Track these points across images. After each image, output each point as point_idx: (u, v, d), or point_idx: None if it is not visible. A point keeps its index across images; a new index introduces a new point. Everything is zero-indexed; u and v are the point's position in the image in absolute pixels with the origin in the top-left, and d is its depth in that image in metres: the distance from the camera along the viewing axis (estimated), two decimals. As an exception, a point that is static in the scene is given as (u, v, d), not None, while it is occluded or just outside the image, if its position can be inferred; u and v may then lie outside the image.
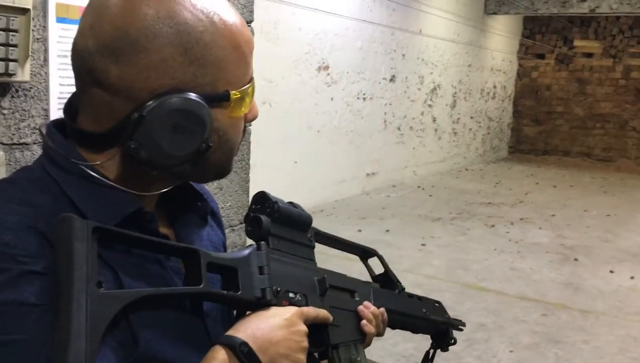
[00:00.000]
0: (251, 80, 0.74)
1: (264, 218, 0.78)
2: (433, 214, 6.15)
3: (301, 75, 5.92)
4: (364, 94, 7.08)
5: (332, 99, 6.49)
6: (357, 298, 0.91)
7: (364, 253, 1.03)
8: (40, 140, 0.71)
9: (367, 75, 7.08)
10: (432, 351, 1.14)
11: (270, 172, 5.45)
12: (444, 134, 9.25)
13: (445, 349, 1.15)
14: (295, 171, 6.02)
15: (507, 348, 3.16)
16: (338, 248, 0.97)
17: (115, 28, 0.64)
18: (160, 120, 0.65)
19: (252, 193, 2.20)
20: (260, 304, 0.73)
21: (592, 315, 3.65)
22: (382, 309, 0.94)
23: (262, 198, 0.81)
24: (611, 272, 4.51)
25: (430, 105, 8.68)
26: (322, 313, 0.80)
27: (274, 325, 0.72)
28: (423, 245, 5.01)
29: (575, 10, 9.39)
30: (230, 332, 0.70)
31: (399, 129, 7.95)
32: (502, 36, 10.68)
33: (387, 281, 1.03)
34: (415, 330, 1.10)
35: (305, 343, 0.75)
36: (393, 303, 0.99)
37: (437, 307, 1.13)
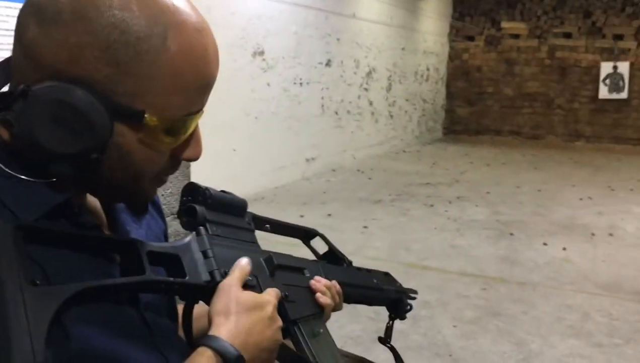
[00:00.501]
0: (191, 115, 0.67)
1: (197, 207, 0.75)
2: (373, 196, 6.22)
3: (236, 61, 5.81)
4: (301, 79, 7.05)
5: (268, 84, 6.42)
6: (308, 275, 0.90)
7: (306, 234, 1.01)
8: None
9: (303, 60, 7.04)
10: (391, 322, 1.15)
11: (209, 160, 5.32)
12: (381, 117, 9.35)
13: (403, 317, 1.16)
14: (234, 158, 5.93)
15: (451, 323, 3.24)
16: (278, 233, 0.95)
17: None
18: (42, 104, 0.58)
19: (193, 179, 2.15)
20: (210, 287, 0.71)
21: (529, 287, 3.79)
22: (334, 281, 0.93)
23: (191, 188, 0.78)
24: (544, 244, 4.69)
25: (366, 89, 8.74)
26: (278, 292, 0.79)
27: (261, 329, 0.70)
28: (365, 227, 5.05)
29: (502, -7, 9.67)
30: (213, 332, 0.67)
31: (336, 113, 7.97)
32: (433, 19, 10.87)
33: (333, 258, 1.02)
34: (370, 302, 1.10)
35: (281, 338, 0.75)
36: (344, 276, 0.98)
37: (387, 277, 1.14)
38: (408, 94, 10.27)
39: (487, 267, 4.17)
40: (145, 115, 0.62)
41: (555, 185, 7.15)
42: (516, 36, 11.27)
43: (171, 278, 0.67)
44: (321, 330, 0.87)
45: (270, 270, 0.81)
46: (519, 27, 11.21)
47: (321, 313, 0.89)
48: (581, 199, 6.33)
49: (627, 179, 7.66)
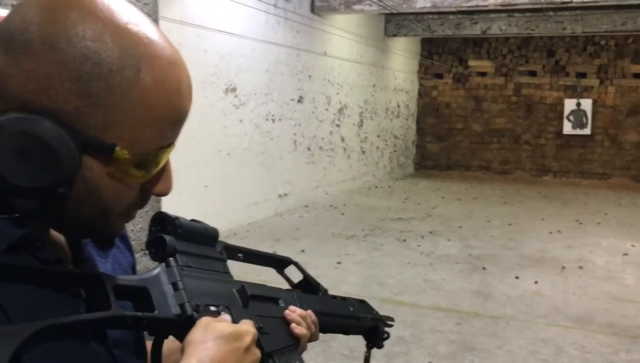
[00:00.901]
0: (162, 149, 0.64)
1: (166, 237, 0.72)
2: (347, 232, 6.21)
3: (208, 98, 5.82)
4: (273, 115, 7.08)
5: (240, 121, 6.43)
6: (282, 305, 0.87)
7: (279, 263, 0.98)
8: None
9: (275, 96, 7.09)
10: (368, 351, 1.12)
11: (181, 197, 5.29)
12: (353, 153, 9.42)
13: (380, 345, 1.13)
14: (206, 195, 5.88)
15: (426, 359, 3.21)
16: (251, 262, 0.91)
17: (19, 18, 0.57)
18: (7, 136, 0.56)
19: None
20: (181, 321, 0.67)
21: (503, 321, 3.79)
22: (309, 311, 0.90)
23: (160, 219, 0.75)
24: (516, 277, 4.73)
25: (338, 125, 8.82)
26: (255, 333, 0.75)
27: (237, 360, 0.67)
28: (339, 263, 5.03)
29: (468, 32, 9.95)
30: (183, 361, 0.63)
31: (309, 149, 8.00)
32: (402, 57, 11.10)
33: (307, 287, 0.99)
34: (346, 331, 1.07)
35: None
36: (319, 305, 0.95)
37: (362, 305, 1.11)
38: (379, 130, 10.40)
39: (461, 301, 4.17)
40: (116, 149, 0.60)
41: (525, 219, 7.25)
42: (483, 74, 11.56)
43: (139, 313, 0.64)
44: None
45: (244, 301, 0.78)
46: (485, 65, 11.51)
47: (297, 344, 0.86)
48: (550, 233, 6.43)
49: (594, 212, 7.82)
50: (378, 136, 10.37)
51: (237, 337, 0.68)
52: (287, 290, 0.93)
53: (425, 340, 3.47)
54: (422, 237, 6.11)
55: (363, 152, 9.81)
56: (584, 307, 4.08)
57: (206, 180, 5.89)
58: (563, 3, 6.73)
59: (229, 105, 6.21)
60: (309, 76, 7.86)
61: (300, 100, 7.69)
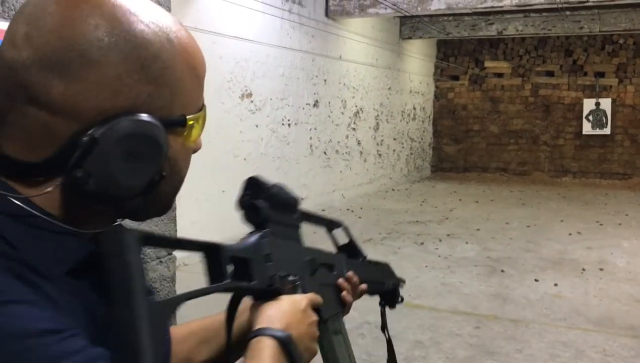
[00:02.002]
0: (203, 106, 0.68)
1: (262, 204, 0.80)
2: (363, 235, 6.20)
3: (224, 104, 5.86)
4: (289, 120, 7.10)
5: (257, 126, 6.46)
6: (335, 272, 0.96)
7: (330, 225, 1.06)
8: None
9: (291, 101, 7.11)
10: (383, 308, 1.20)
11: (198, 202, 5.33)
12: (369, 156, 9.41)
13: (393, 306, 1.21)
14: (223, 200, 5.91)
15: (445, 363, 3.19)
16: (308, 222, 0.98)
17: (59, 38, 0.56)
18: (115, 145, 0.57)
19: (179, 224, 2.13)
20: (269, 291, 0.76)
21: (522, 324, 3.76)
22: (356, 278, 0.99)
23: (255, 184, 0.82)
24: (536, 280, 4.68)
25: (354, 129, 8.82)
26: (320, 299, 0.84)
27: (298, 319, 0.76)
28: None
29: (484, 33, 9.89)
30: (265, 324, 0.72)
31: (325, 153, 8.01)
32: (418, 59, 11.07)
33: (351, 250, 1.07)
34: (371, 293, 1.15)
35: (317, 333, 0.80)
36: (362, 273, 1.03)
37: (388, 269, 1.21)
38: (396, 133, 10.37)
39: (480, 304, 4.14)
40: (186, 119, 0.63)
41: (544, 220, 7.18)
42: (500, 75, 11.49)
43: (244, 284, 0.73)
44: (341, 328, 0.93)
45: (312, 271, 0.87)
46: (502, 66, 11.44)
47: (343, 310, 0.94)
48: (570, 234, 6.36)
49: (615, 213, 7.72)
50: (394, 139, 10.34)
51: (294, 301, 0.78)
52: (337, 255, 1.01)
53: (443, 343, 3.45)
54: (440, 240, 6.08)
55: (379, 155, 9.79)
56: (605, 309, 4.03)
57: (223, 185, 5.92)
58: (580, 2, 6.67)
59: (245, 111, 6.25)
60: (325, 80, 7.88)
61: (316, 105, 7.70)
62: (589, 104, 10.84)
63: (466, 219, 7.26)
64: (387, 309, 1.20)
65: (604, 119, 10.77)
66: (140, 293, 0.55)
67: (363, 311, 3.05)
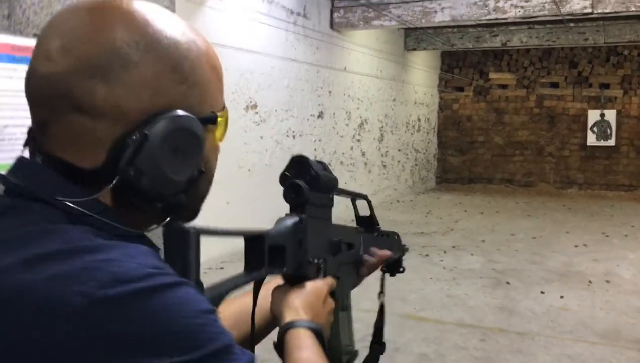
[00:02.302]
0: (225, 106, 0.71)
1: (304, 186, 0.82)
2: (368, 247, 6.19)
3: (229, 115, 5.87)
4: (293, 131, 7.12)
5: (261, 137, 6.48)
6: (353, 250, 1.01)
7: (355, 197, 1.11)
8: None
9: (295, 112, 7.13)
10: (383, 275, 1.25)
11: (202, 214, 5.32)
12: (374, 168, 9.40)
13: (393, 275, 1.26)
14: (228, 212, 5.91)
15: (450, 376, 3.17)
16: (337, 195, 1.02)
17: (99, 45, 0.59)
18: (163, 140, 0.59)
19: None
20: (297, 275, 0.81)
21: (528, 337, 3.73)
22: (371, 257, 1.06)
23: (301, 163, 0.85)
24: (542, 292, 4.65)
25: (358, 140, 8.82)
26: (335, 284, 0.89)
27: (320, 310, 0.81)
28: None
29: (488, 45, 9.91)
30: (297, 316, 0.77)
31: (329, 164, 7.99)
32: (422, 71, 11.09)
33: (368, 222, 1.12)
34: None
35: (332, 319, 0.87)
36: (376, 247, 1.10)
37: (397, 240, 1.26)
38: (400, 144, 10.38)
39: (485, 317, 4.12)
40: (217, 115, 0.67)
41: (550, 232, 7.15)
42: (504, 86, 11.49)
43: (276, 270, 0.77)
44: (349, 304, 0.98)
45: (334, 252, 0.91)
46: (506, 77, 11.45)
47: (357, 284, 1.01)
48: (576, 246, 6.32)
49: (621, 225, 7.68)
50: (399, 150, 10.34)
51: (317, 292, 0.83)
52: (357, 233, 1.05)
53: (449, 356, 3.42)
54: (445, 252, 6.05)
55: (384, 166, 9.79)
56: (612, 322, 3.99)
57: (227, 196, 5.92)
58: (584, 14, 6.68)
59: (249, 122, 6.26)
60: (329, 92, 7.90)
61: (320, 116, 7.72)
62: (593, 115, 10.82)
63: (471, 230, 7.24)
64: (387, 313, 1.22)
65: (608, 130, 10.75)
66: (197, 287, 0.60)
67: (368, 324, 3.03)
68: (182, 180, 0.62)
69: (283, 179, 0.85)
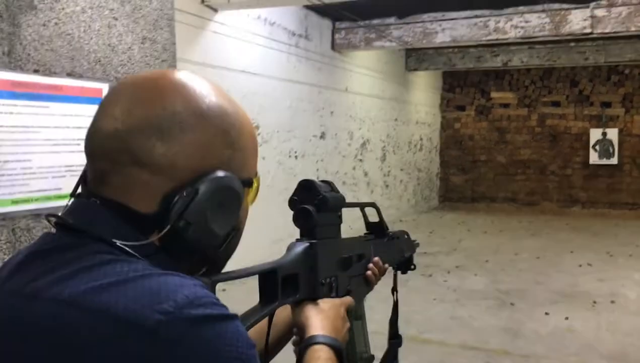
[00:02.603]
0: (257, 173, 0.78)
1: (312, 210, 0.86)
2: (371, 268, 6.16)
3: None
4: (296, 152, 7.13)
5: (263, 158, 6.49)
6: (364, 261, 1.05)
7: (364, 205, 1.16)
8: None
9: (298, 133, 7.15)
10: (395, 272, 1.28)
11: (205, 236, 5.31)
12: (376, 187, 9.40)
13: (404, 272, 1.30)
14: (230, 233, 5.91)
15: (455, 400, 3.13)
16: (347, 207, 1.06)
17: (161, 108, 0.66)
18: (211, 196, 0.66)
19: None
20: (310, 299, 0.85)
21: (533, 359, 3.69)
22: (380, 263, 1.10)
23: (308, 187, 0.88)
24: (546, 314, 4.61)
25: (361, 160, 8.83)
26: (353, 302, 0.95)
27: (339, 326, 0.86)
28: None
29: (489, 65, 9.96)
30: (317, 332, 0.82)
31: (332, 184, 8.01)
32: (424, 90, 11.14)
33: (378, 228, 1.17)
34: (390, 264, 1.24)
35: (348, 337, 0.91)
36: (387, 255, 1.16)
37: (408, 240, 1.30)
38: (402, 163, 10.38)
39: (489, 338, 4.08)
40: (254, 179, 0.74)
41: (554, 251, 7.11)
42: (506, 105, 11.52)
43: (290, 299, 0.82)
44: (362, 313, 1.03)
45: (345, 267, 0.94)
46: (507, 96, 11.48)
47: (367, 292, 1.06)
48: (580, 266, 6.29)
49: (626, 244, 7.64)
50: (401, 170, 10.35)
51: (336, 310, 0.88)
52: (367, 240, 1.11)
53: (453, 380, 3.39)
54: (449, 272, 6.02)
55: (387, 186, 9.79)
56: (618, 343, 3.95)
57: (230, 218, 5.92)
58: (584, 35, 6.71)
59: (252, 143, 6.28)
60: (331, 112, 7.93)
61: (322, 136, 7.74)
62: (595, 134, 10.83)
63: (475, 250, 7.21)
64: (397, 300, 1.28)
65: (610, 148, 10.75)
66: None
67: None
68: (222, 234, 0.69)
69: (292, 204, 0.89)
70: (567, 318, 4.49)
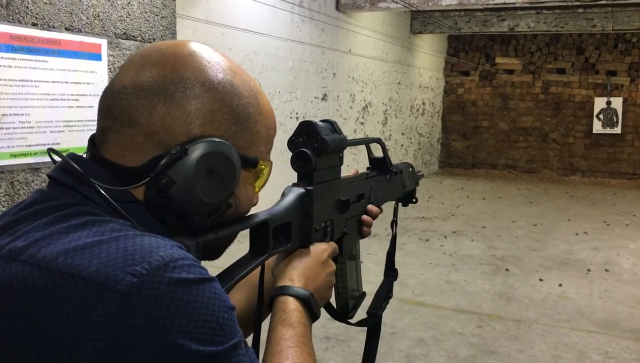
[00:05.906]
0: (270, 162, 0.77)
1: (311, 154, 0.83)
2: (369, 231, 6.20)
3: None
4: (297, 113, 7.09)
5: (264, 118, 6.46)
6: (363, 200, 1.02)
7: (368, 141, 1.14)
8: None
9: (299, 94, 7.10)
10: (396, 204, 1.26)
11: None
12: (377, 151, 9.37)
13: (405, 205, 1.28)
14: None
15: (446, 362, 3.20)
16: (352, 145, 1.04)
17: (171, 71, 0.67)
18: (201, 158, 0.65)
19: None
20: (302, 245, 0.84)
21: (525, 324, 3.75)
22: (375, 208, 1.07)
23: (309, 129, 0.84)
24: (540, 280, 4.67)
25: (362, 123, 8.80)
26: (336, 248, 0.93)
27: (318, 271, 0.85)
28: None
29: (495, 29, 9.82)
30: (287, 282, 0.81)
31: (332, 147, 7.99)
32: (428, 54, 11.00)
33: (381, 164, 1.14)
34: (392, 199, 1.23)
35: (334, 281, 0.90)
36: (388, 193, 1.14)
37: (412, 172, 1.27)
38: (404, 127, 10.34)
39: (483, 303, 4.14)
40: (259, 161, 0.73)
41: (551, 219, 7.15)
42: (510, 71, 11.41)
43: (281, 249, 0.80)
44: (357, 253, 1.02)
45: (342, 210, 0.92)
46: (513, 62, 11.36)
47: (362, 236, 1.04)
48: (577, 234, 6.33)
49: (623, 213, 7.67)
50: (402, 134, 10.31)
51: (317, 256, 0.87)
52: (368, 178, 1.07)
53: (445, 342, 3.45)
54: (445, 237, 6.07)
55: (387, 149, 9.76)
56: (609, 311, 4.01)
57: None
58: (593, 0, 6.59)
59: (253, 103, 6.24)
60: (334, 74, 7.85)
61: (324, 98, 7.69)
62: (600, 103, 10.75)
63: (473, 216, 7.25)
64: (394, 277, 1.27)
65: (614, 118, 10.68)
66: None
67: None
68: (209, 202, 0.67)
69: (291, 145, 0.85)
70: (560, 285, 4.54)
